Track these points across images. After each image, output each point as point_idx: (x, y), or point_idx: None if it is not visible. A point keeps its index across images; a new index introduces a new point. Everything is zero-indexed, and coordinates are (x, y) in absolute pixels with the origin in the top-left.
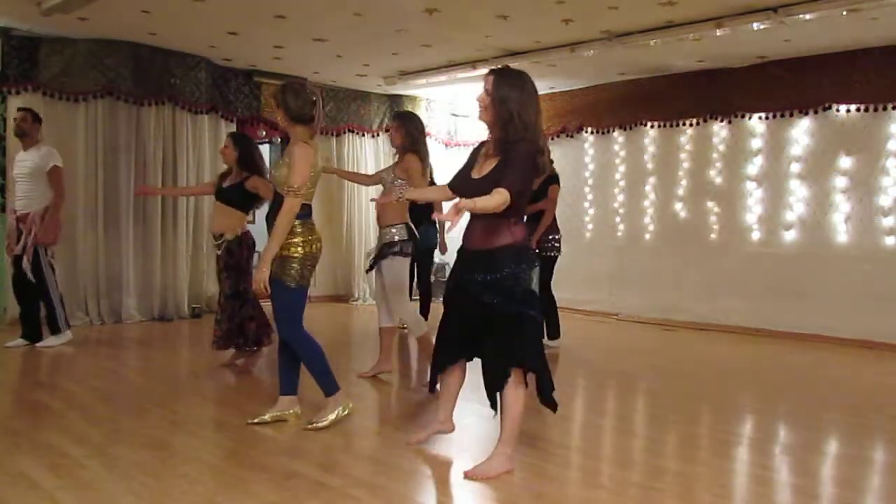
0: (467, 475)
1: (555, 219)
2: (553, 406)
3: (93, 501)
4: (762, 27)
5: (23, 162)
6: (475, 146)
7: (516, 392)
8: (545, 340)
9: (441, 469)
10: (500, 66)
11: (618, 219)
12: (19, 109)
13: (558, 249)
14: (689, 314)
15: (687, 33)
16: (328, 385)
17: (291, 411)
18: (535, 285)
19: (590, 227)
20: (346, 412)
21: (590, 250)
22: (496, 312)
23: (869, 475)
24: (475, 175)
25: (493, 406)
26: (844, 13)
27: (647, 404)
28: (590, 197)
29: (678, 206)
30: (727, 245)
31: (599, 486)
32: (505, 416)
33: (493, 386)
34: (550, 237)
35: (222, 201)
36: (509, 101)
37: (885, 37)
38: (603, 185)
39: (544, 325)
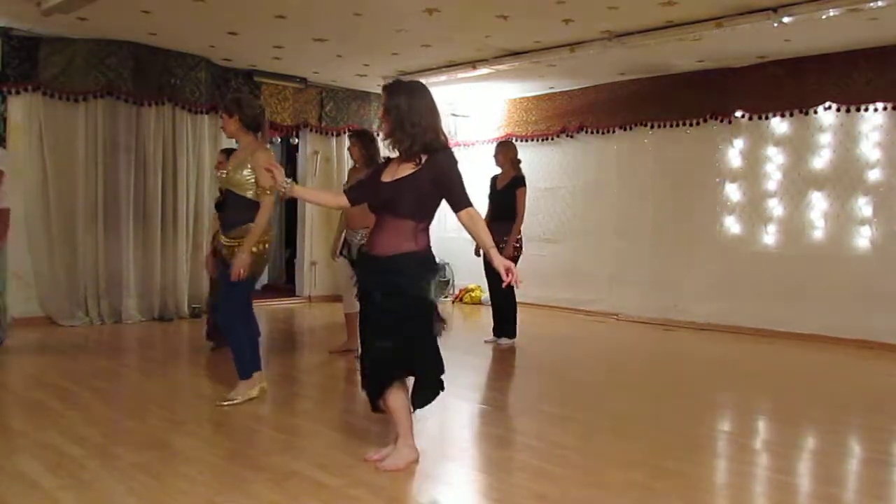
0: (381, 469)
1: None
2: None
3: (93, 501)
4: (762, 27)
5: None
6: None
7: (395, 393)
8: (503, 339)
9: (441, 469)
10: (391, 81)
11: (618, 219)
12: None
13: (520, 249)
14: (689, 314)
15: (687, 33)
16: (249, 368)
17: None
18: (433, 294)
19: (590, 227)
20: (255, 395)
21: (590, 250)
22: (391, 316)
23: (870, 475)
24: (387, 179)
25: (376, 408)
26: (845, 13)
27: (647, 404)
28: (590, 197)
29: (678, 206)
30: (727, 245)
31: (599, 486)
32: (394, 415)
33: (378, 388)
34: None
35: None
36: (398, 108)
37: (885, 37)
38: (603, 184)
39: (503, 323)
